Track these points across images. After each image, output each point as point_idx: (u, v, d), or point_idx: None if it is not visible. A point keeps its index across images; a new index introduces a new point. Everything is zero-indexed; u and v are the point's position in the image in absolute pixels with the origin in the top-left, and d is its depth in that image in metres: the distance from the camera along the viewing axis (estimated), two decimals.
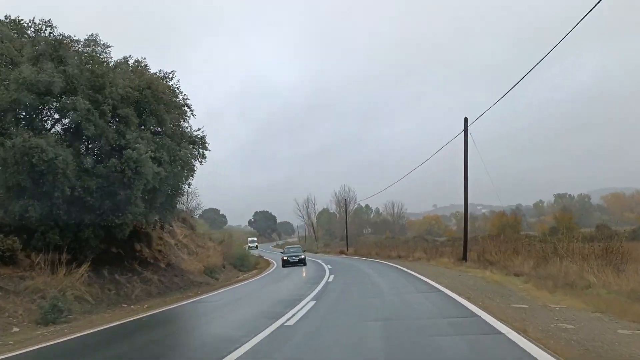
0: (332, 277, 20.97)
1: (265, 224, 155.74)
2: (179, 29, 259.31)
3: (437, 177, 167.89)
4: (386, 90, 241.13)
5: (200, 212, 37.92)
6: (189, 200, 35.52)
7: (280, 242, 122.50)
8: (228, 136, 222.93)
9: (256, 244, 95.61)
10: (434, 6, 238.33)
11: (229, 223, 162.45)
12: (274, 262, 40.40)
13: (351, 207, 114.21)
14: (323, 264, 33.46)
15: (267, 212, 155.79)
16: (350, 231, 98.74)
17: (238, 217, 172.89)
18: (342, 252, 54.71)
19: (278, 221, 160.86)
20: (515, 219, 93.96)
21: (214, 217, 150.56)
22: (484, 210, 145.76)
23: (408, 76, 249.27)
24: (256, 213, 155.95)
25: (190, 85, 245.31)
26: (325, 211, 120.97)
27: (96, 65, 14.94)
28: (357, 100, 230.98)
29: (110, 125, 15.07)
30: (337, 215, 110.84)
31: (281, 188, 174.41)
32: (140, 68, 17.53)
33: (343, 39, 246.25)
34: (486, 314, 8.53)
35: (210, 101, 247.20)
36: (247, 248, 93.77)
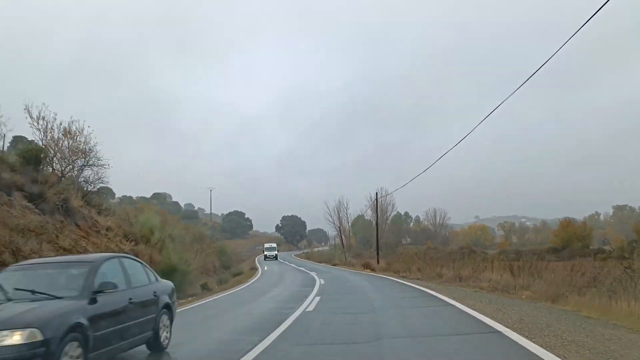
0: None
1: (293, 230, 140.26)
2: (222, 36, 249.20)
3: (480, 188, 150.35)
4: (434, 96, 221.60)
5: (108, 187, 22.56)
6: (82, 172, 20.33)
7: (305, 251, 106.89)
8: (267, 142, 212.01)
9: (275, 252, 79.63)
10: (486, 6, 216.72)
11: (255, 228, 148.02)
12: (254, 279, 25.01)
13: (388, 214, 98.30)
14: (314, 286, 17.77)
15: (296, 217, 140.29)
16: (387, 240, 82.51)
17: (266, 222, 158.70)
18: (367, 267, 37.36)
19: (309, 228, 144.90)
20: (585, 229, 73.91)
21: (238, 221, 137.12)
22: (528, 223, 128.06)
23: (458, 81, 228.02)
24: (284, 218, 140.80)
25: (230, 93, 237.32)
26: (360, 218, 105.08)
27: None
28: (402, 106, 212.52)
29: None
30: (373, 222, 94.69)
31: (319, 195, 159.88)
32: None
33: (390, 42, 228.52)
34: None
35: (251, 108, 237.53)
36: (264, 257, 79.05)
